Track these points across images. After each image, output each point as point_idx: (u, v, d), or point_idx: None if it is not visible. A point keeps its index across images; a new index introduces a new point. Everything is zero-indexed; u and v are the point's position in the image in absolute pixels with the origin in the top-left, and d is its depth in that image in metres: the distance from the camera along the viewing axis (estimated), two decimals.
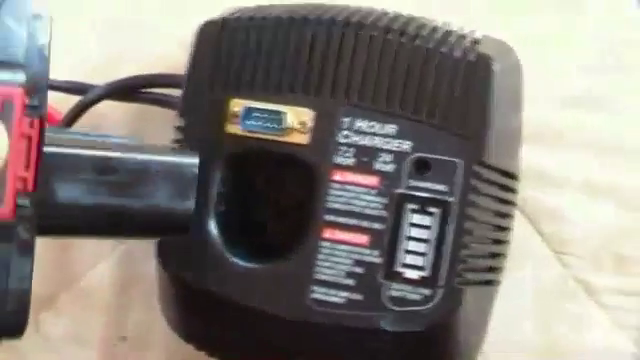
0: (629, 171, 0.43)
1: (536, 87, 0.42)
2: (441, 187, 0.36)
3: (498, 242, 0.39)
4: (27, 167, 0.29)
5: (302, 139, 0.37)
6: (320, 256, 0.36)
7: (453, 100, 0.36)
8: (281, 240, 0.37)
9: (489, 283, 0.39)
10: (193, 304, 0.39)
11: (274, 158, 0.37)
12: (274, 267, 0.37)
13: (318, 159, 0.36)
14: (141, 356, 0.46)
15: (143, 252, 0.45)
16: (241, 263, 0.37)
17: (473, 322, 0.38)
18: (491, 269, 0.39)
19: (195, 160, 0.35)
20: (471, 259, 0.36)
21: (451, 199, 0.35)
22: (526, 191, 0.43)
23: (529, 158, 0.43)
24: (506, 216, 0.39)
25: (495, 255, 0.39)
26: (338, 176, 0.36)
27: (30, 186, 0.29)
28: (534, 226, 0.43)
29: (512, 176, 0.39)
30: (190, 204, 0.35)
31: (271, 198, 0.39)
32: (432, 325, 0.35)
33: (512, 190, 0.39)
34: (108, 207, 0.33)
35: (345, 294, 0.36)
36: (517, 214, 0.43)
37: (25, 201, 0.29)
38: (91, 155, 0.33)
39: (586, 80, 0.44)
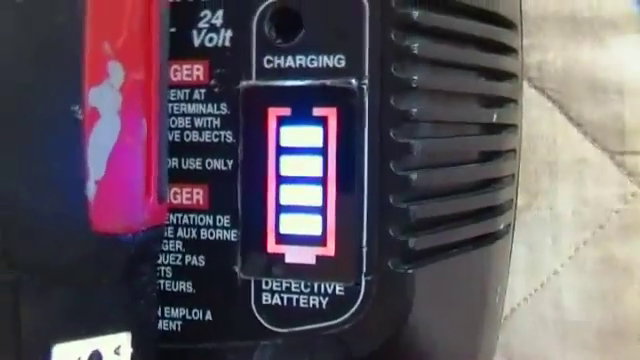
0: None
1: None
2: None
3: (484, 159, 0.20)
4: None
5: None
6: None
7: None
8: None
9: (483, 241, 0.19)
10: None
11: None
12: None
13: None
14: None
15: None
16: None
17: (450, 318, 0.19)
18: (480, 215, 0.19)
19: None
20: (428, 204, 0.17)
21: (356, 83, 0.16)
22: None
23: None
24: (498, 103, 0.20)
25: (483, 185, 0.20)
26: None
27: None
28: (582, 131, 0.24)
29: (492, 18, 0.19)
30: None
31: None
32: (358, 349, 0.17)
33: (504, 49, 0.20)
34: None
35: (183, 312, 0.18)
36: (547, 105, 0.24)
37: None
38: None
39: None
